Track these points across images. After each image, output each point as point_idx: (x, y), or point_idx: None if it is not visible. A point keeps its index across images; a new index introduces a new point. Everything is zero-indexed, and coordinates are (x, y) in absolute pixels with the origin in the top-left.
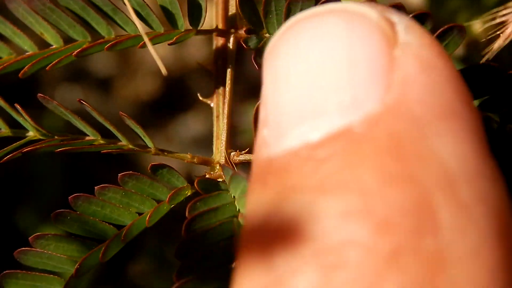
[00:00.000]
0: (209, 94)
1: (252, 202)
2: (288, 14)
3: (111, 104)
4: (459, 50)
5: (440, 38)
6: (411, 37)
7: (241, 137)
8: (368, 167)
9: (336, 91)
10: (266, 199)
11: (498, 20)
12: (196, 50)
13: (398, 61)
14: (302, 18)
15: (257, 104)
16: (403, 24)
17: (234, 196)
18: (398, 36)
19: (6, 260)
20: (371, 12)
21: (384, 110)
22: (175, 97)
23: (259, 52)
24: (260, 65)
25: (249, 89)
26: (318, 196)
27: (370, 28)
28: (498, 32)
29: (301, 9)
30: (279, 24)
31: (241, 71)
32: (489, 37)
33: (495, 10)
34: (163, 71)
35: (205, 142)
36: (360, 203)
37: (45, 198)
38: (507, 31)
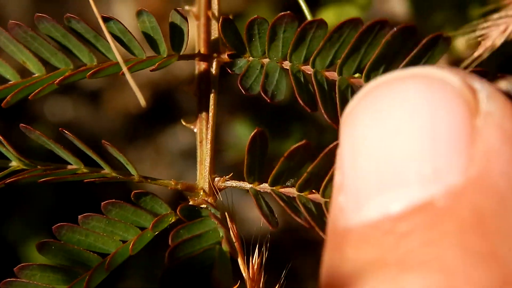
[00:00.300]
0: (195, 112)
1: (329, 271)
2: (272, 37)
3: (101, 116)
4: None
5: (426, 48)
6: (493, 106)
7: (228, 152)
8: (450, 244)
9: (417, 161)
10: (344, 271)
11: (479, 33)
12: (185, 63)
13: (481, 132)
14: (382, 83)
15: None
16: (485, 92)
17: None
18: (480, 105)
19: None
20: (453, 79)
21: (466, 183)
22: (164, 109)
23: (244, 77)
24: (246, 90)
25: (237, 102)
26: (400, 272)
27: (452, 95)
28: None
29: (284, 31)
30: (262, 47)
31: (229, 81)
32: (472, 52)
33: (476, 23)
34: (142, 102)
35: (194, 154)
36: (443, 282)
37: (35, 210)
38: (487, 43)
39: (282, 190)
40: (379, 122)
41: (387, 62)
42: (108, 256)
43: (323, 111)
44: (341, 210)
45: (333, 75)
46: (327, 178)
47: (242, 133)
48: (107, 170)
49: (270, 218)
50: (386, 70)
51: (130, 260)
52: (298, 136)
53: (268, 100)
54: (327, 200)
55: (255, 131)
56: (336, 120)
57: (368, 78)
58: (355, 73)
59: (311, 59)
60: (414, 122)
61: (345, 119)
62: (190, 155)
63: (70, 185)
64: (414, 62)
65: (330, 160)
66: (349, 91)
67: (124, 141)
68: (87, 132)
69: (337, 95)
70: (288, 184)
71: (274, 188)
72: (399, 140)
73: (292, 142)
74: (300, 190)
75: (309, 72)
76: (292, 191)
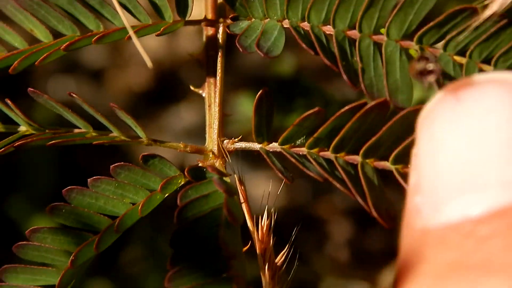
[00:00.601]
0: (200, 85)
1: (406, 271)
2: None
3: (103, 95)
4: None
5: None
6: None
7: (233, 126)
8: None
9: (498, 165)
10: (423, 271)
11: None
12: (188, 42)
13: None
14: (461, 85)
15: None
16: None
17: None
18: None
19: None
20: None
21: None
22: (167, 88)
23: (243, 36)
24: (244, 48)
25: (241, 79)
26: (481, 275)
27: None
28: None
29: None
30: (262, 7)
31: (233, 59)
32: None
33: None
34: (149, 64)
35: (198, 132)
36: None
37: (37, 188)
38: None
39: (293, 149)
40: (460, 126)
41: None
42: (118, 218)
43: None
44: (418, 211)
45: (329, 29)
46: (337, 138)
47: (247, 108)
48: (116, 133)
49: (285, 173)
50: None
51: (135, 231)
52: (302, 110)
53: (262, 55)
54: (337, 155)
55: (261, 91)
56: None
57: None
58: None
59: (306, 14)
60: (495, 127)
61: (423, 119)
62: (193, 133)
63: (72, 163)
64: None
65: (339, 124)
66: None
67: None
68: (90, 113)
69: (335, 46)
70: (298, 143)
71: (284, 147)
72: (479, 144)
73: (296, 116)
74: (310, 148)
75: (307, 28)
76: (302, 149)
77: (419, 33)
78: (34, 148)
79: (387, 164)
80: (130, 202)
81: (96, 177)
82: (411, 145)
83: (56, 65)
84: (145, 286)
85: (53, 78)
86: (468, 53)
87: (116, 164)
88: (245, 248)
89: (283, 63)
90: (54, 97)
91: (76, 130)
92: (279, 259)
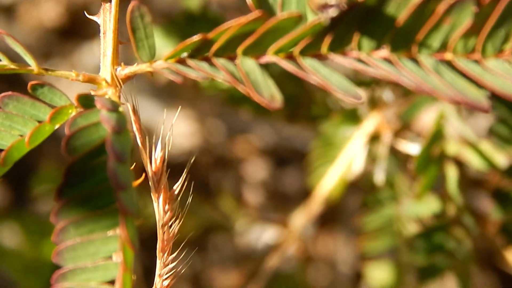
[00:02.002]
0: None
1: None
2: None
3: (15, 31)
4: None
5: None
6: None
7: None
8: None
9: None
10: None
11: None
12: None
13: None
14: None
15: None
16: None
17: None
18: None
19: None
20: None
21: None
22: (79, 24)
23: None
24: None
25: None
26: None
27: None
28: None
29: None
30: None
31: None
32: None
33: None
34: None
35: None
36: None
37: None
38: None
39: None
40: None
41: None
42: (4, 151)
43: None
44: None
45: None
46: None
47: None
48: (5, 62)
49: None
50: None
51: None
52: None
53: None
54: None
55: (131, 3)
56: None
57: None
58: None
59: None
60: None
61: None
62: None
63: None
64: None
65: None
66: None
67: (40, 57)
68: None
69: None
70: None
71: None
72: None
73: None
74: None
75: None
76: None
77: None
78: None
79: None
80: (19, 134)
81: None
82: None
83: None
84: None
85: None
86: None
87: (3, 94)
88: (139, 181)
89: None
90: None
91: None
92: (174, 190)
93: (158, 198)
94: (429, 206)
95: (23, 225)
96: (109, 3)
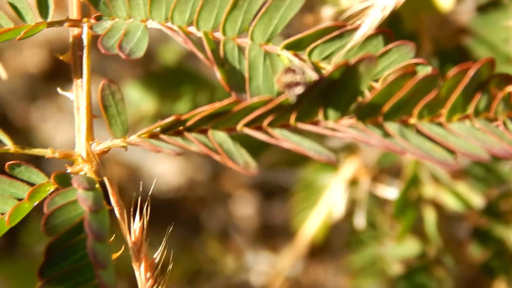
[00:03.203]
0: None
1: None
2: None
3: None
4: None
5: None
6: None
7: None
8: None
9: None
10: None
11: None
12: None
13: None
14: None
15: None
16: None
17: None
18: None
19: None
20: None
21: None
22: (63, 67)
23: (106, 37)
24: (107, 49)
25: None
26: None
27: None
28: None
29: None
30: (125, 6)
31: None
32: None
33: None
34: (3, 75)
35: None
36: None
37: None
38: None
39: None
40: None
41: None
42: None
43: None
44: None
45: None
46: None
47: (135, 96)
48: None
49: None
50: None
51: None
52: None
53: (124, 57)
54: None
55: (102, 82)
56: None
57: None
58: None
59: (170, 15)
60: None
61: None
62: (94, 110)
63: None
64: None
65: None
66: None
67: (26, 101)
68: None
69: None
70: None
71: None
72: None
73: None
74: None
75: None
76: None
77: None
78: None
79: None
80: (0, 213)
81: None
82: None
83: None
84: None
85: None
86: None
87: None
88: (117, 255)
89: (169, 51)
90: None
91: None
92: (155, 259)
93: (139, 267)
94: (409, 248)
95: (14, 269)
96: (81, 79)
